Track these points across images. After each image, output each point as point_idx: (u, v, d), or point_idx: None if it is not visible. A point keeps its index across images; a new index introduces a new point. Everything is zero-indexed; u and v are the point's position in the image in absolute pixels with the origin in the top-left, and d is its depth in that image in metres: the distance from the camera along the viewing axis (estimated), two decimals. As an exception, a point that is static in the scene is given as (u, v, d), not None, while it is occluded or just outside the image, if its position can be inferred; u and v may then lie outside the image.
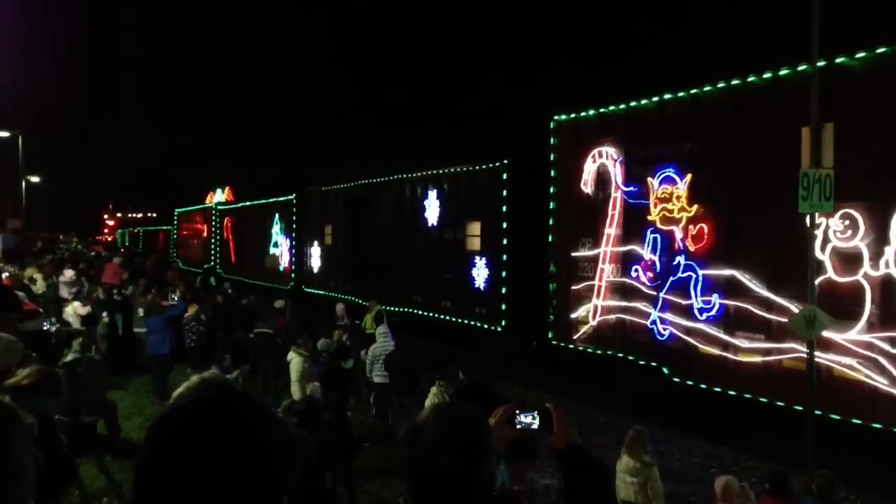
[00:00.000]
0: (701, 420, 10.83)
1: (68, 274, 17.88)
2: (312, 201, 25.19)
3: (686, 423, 10.82)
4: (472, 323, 16.07)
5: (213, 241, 36.25)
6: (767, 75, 9.66)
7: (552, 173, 13.83)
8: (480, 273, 15.86)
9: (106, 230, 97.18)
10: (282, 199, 27.46)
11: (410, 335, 17.69)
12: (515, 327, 14.93)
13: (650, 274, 11.51)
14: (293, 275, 26.16)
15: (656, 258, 11.38)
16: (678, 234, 11.00)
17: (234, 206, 34.98)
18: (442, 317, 17.09)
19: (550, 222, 13.78)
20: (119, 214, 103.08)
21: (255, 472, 1.14)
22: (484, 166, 15.96)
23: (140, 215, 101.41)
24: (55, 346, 10.12)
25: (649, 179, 11.54)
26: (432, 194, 17.76)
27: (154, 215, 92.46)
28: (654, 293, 11.38)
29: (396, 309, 18.84)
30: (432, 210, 17.75)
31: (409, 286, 18.49)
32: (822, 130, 7.38)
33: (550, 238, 13.78)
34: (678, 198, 11.01)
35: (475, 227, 16.26)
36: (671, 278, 11.08)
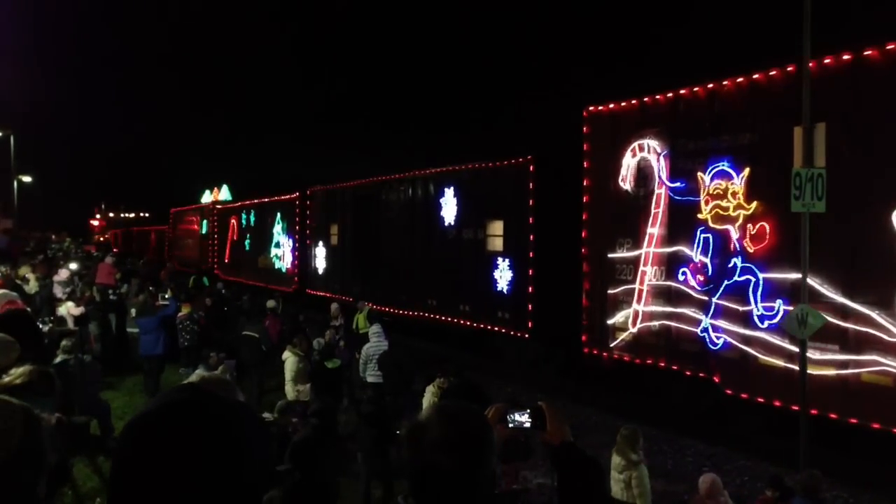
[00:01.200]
0: (695, 420, 10.66)
1: (63, 274, 17.58)
2: (317, 200, 24.20)
3: (680, 423, 10.67)
4: (494, 328, 15.10)
5: (210, 241, 35.18)
6: (846, 57, 8.73)
7: (584, 169, 12.89)
8: (503, 275, 14.90)
9: (97, 231, 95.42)
10: (284, 197, 26.43)
11: (426, 340, 16.79)
12: (542, 333, 13.96)
13: (700, 277, 10.57)
14: (296, 276, 25.14)
15: (707, 260, 10.44)
16: (734, 234, 10.06)
17: (233, 204, 33.88)
18: (460, 322, 16.12)
19: (583, 221, 12.83)
20: (111, 214, 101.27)
21: (227, 472, 1.11)
22: (507, 162, 15.00)
23: (132, 215, 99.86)
24: (48, 346, 9.76)
25: (699, 174, 10.61)
26: (449, 192, 16.79)
27: (146, 215, 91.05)
28: (706, 298, 10.44)
29: (410, 313, 17.90)
30: (449, 209, 16.78)
31: (424, 289, 17.50)
32: (814, 130, 7.47)
33: (583, 238, 12.83)
34: (734, 194, 10.08)
35: (497, 227, 15.30)
36: (726, 282, 10.14)
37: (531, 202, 14.11)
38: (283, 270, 26.40)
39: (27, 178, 40.85)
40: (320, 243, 23.67)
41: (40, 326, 11.27)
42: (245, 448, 1.15)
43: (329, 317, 14.93)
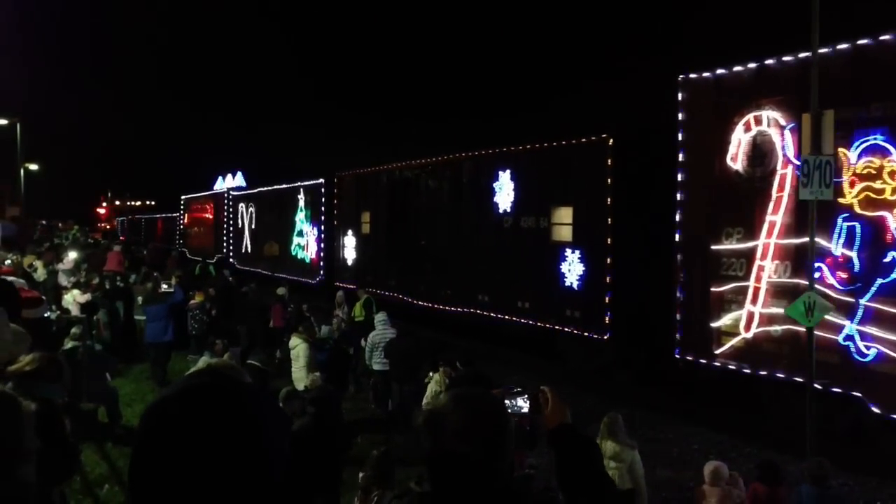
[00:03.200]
0: (701, 407, 10.60)
1: (68, 262, 16.36)
2: (346, 186, 22.45)
3: (686, 410, 10.63)
4: (561, 328, 13.35)
5: (225, 229, 33.47)
6: None
7: (679, 142, 11.12)
8: (572, 269, 13.15)
9: (103, 218, 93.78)
10: (308, 183, 24.67)
11: (479, 341, 15.11)
12: (622, 335, 12.22)
13: (843, 274, 8.82)
14: (322, 268, 23.42)
15: (853, 254, 8.69)
16: (892, 223, 8.31)
17: (250, 191, 32.10)
18: (518, 320, 14.38)
19: (677, 202, 11.07)
20: (118, 202, 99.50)
21: (250, 455, 1.09)
22: (580, 140, 13.20)
23: (138, 203, 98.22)
24: (55, 333, 9.94)
25: (841, 150, 8.83)
26: (504, 175, 15.03)
27: (153, 203, 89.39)
28: (850, 300, 8.70)
29: (457, 309, 16.19)
30: (504, 194, 15.03)
31: (473, 284, 15.77)
32: (822, 117, 7.32)
33: (678, 227, 11.08)
34: (892, 174, 8.32)
35: (565, 214, 13.54)
36: (879, 280, 8.40)
37: (609, 181, 12.32)
38: (307, 261, 24.67)
39: (34, 167, 40.04)
40: (349, 232, 21.94)
41: (46, 314, 10.72)
42: (265, 431, 1.12)
43: (335, 304, 14.74)
